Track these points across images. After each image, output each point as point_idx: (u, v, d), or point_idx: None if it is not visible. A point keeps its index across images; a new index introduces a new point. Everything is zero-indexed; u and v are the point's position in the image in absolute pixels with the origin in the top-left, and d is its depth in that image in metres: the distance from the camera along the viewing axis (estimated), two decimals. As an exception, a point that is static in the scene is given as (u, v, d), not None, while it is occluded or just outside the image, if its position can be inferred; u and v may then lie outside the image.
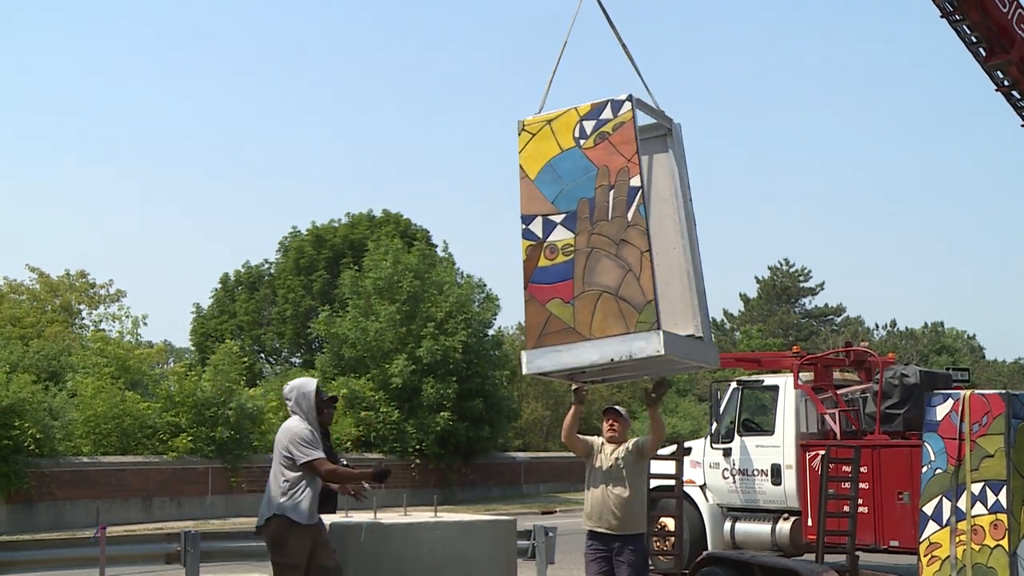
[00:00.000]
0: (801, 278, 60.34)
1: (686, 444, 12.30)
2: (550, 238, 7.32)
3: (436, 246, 38.27)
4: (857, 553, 11.11)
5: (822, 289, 60.40)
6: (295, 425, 7.07)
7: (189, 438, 24.46)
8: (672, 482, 10.66)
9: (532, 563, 12.07)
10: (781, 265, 60.55)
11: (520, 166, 7.54)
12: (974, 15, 14.20)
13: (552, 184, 7.40)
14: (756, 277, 61.15)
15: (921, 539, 9.40)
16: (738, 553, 11.85)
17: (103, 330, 33.18)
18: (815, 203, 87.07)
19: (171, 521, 22.35)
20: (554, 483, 33.22)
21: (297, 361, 40.06)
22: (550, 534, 12.20)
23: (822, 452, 11.65)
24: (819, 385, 13.56)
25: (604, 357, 6.98)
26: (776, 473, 13.46)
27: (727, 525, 13.94)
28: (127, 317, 32.41)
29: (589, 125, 7.32)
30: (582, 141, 7.33)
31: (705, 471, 14.24)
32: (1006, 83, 14.88)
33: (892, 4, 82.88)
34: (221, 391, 25.37)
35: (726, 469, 13.99)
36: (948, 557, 9.16)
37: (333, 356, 30.95)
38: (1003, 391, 9.41)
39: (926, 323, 63.90)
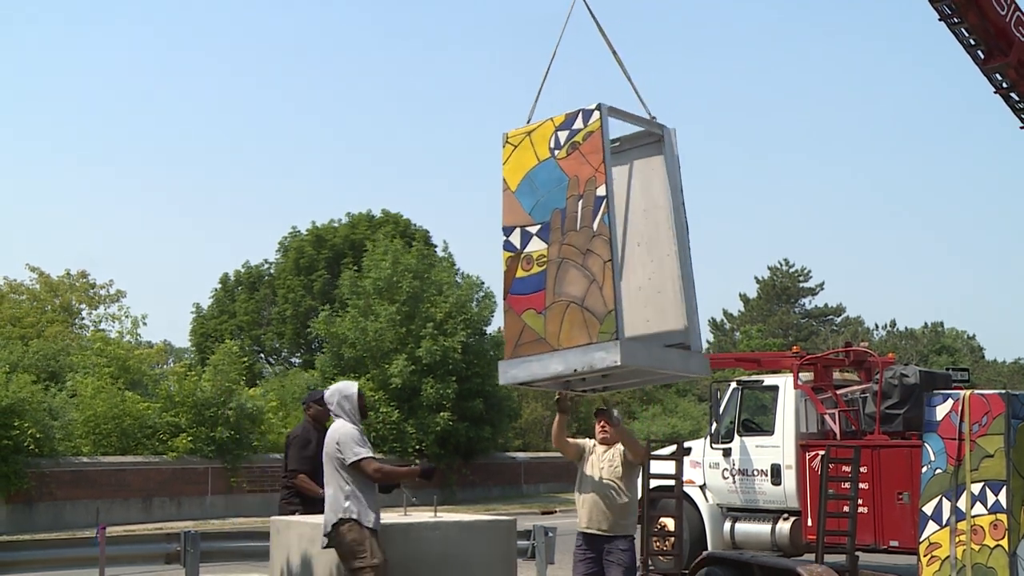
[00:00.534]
0: (801, 278, 60.34)
1: (686, 444, 12.30)
2: (526, 249, 7.36)
3: (436, 246, 38.30)
4: (857, 553, 11.11)
5: (822, 289, 60.45)
6: (341, 427, 7.06)
7: (189, 438, 24.47)
8: (672, 482, 10.65)
9: (532, 563, 12.08)
10: (781, 265, 60.57)
11: (503, 178, 7.59)
12: (972, 18, 14.22)
13: (530, 195, 7.43)
14: (756, 277, 61.20)
15: (921, 539, 9.40)
16: (738, 553, 11.85)
17: (103, 330, 33.27)
18: (815, 203, 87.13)
19: (171, 521, 22.35)
20: (554, 483, 33.22)
21: (297, 361, 40.08)
22: (550, 534, 12.21)
23: (822, 452, 11.64)
24: (819, 385, 13.56)
25: (569, 368, 7.01)
26: (776, 473, 13.46)
27: (727, 525, 13.94)
28: (127, 317, 32.58)
29: (563, 135, 7.32)
30: (556, 151, 7.33)
31: (705, 471, 14.24)
32: (1004, 85, 14.90)
33: (893, 3, 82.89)
34: (221, 391, 25.38)
35: (726, 469, 14.00)
36: (948, 557, 9.17)
37: (333, 356, 30.96)
38: (1003, 391, 9.41)
39: (926, 323, 63.91)
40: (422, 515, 7.51)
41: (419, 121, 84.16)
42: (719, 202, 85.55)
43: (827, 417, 13.17)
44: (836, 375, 13.91)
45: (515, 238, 7.42)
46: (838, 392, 13.41)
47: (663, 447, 13.94)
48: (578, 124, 7.24)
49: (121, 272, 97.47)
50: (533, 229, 7.32)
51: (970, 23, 14.30)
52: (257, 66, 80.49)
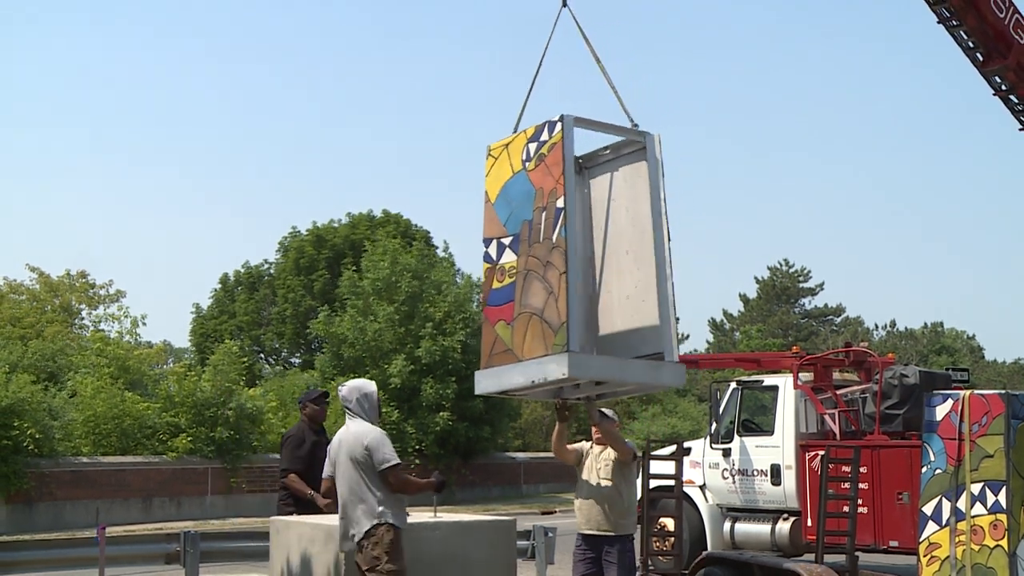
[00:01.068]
0: (801, 278, 60.34)
1: (686, 444, 12.30)
2: (500, 260, 7.40)
3: (436, 247, 38.31)
4: (857, 553, 11.11)
5: (822, 289, 60.45)
6: (369, 430, 6.87)
7: (189, 438, 24.46)
8: (672, 482, 10.65)
9: (532, 563, 12.09)
10: (781, 265, 60.57)
11: (485, 190, 7.64)
12: (971, 21, 14.22)
13: (505, 207, 7.47)
14: (756, 277, 61.20)
15: (921, 539, 9.40)
16: (738, 553, 11.85)
17: (103, 330, 33.21)
18: (815, 203, 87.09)
19: (171, 521, 22.34)
20: (554, 483, 33.21)
21: (296, 361, 40.09)
22: (550, 534, 12.22)
23: (822, 452, 11.65)
24: (819, 385, 13.57)
25: (527, 379, 7.02)
26: (776, 473, 13.46)
27: (727, 525, 13.95)
28: (127, 317, 32.48)
29: (532, 147, 7.32)
30: (527, 163, 7.35)
31: (705, 471, 14.25)
32: (1004, 87, 14.90)
33: (892, 6, 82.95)
34: (221, 391, 25.38)
35: (726, 469, 14.00)
36: (948, 557, 9.17)
37: (332, 356, 30.96)
38: (1003, 391, 9.41)
39: (926, 323, 63.93)
40: (422, 515, 7.50)
41: (419, 121, 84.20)
42: (720, 201, 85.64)
43: (827, 417, 13.17)
44: (836, 375, 13.91)
45: (492, 249, 7.48)
46: (838, 392, 13.41)
47: (663, 447, 13.95)
48: (544, 136, 7.25)
49: (121, 272, 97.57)
50: (507, 241, 7.37)
51: (969, 26, 14.30)
52: (257, 66, 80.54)
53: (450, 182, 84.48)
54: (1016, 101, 15.00)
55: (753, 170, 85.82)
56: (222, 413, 25.09)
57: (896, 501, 12.24)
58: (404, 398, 29.27)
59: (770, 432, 13.74)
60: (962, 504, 9.16)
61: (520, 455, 34.80)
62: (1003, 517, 8.96)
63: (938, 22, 14.40)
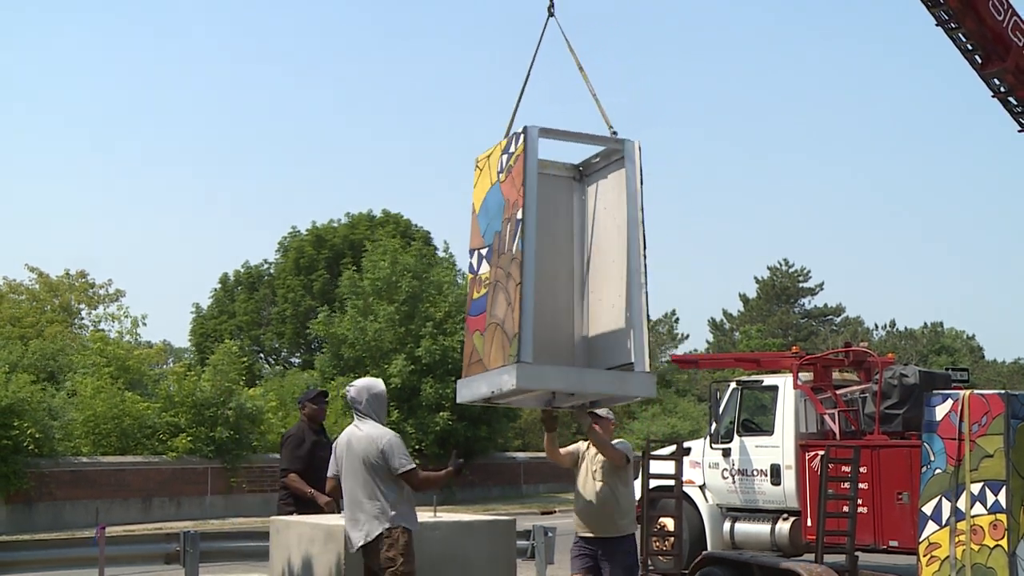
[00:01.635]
0: (800, 278, 60.37)
1: (685, 444, 12.30)
2: (479, 272, 7.46)
3: (436, 247, 38.31)
4: (856, 553, 11.11)
5: (821, 289, 60.49)
6: (382, 432, 6.84)
7: (188, 438, 24.47)
8: (671, 482, 10.65)
9: (532, 563, 12.09)
10: (780, 265, 60.60)
11: (472, 202, 7.70)
12: (969, 23, 14.22)
13: (484, 218, 7.52)
14: (755, 277, 61.25)
15: (920, 539, 9.40)
16: (737, 553, 11.85)
17: (102, 330, 33.22)
18: (815, 203, 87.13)
19: (170, 521, 22.34)
20: (554, 483, 33.22)
21: (296, 361, 40.10)
22: (549, 534, 12.22)
23: (821, 452, 11.65)
24: (818, 385, 13.57)
25: (489, 389, 7.05)
26: (775, 473, 13.46)
27: (726, 525, 13.95)
28: (126, 317, 32.52)
29: (504, 159, 7.35)
30: (500, 175, 7.38)
31: (704, 471, 14.25)
32: (1002, 89, 14.91)
33: (891, 8, 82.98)
34: (220, 391, 25.39)
35: (725, 469, 14.00)
36: (947, 557, 9.17)
37: (332, 356, 30.97)
38: (1002, 391, 9.41)
39: (925, 323, 64.01)
40: (422, 515, 7.50)
41: (420, 121, 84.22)
42: (719, 202, 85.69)
43: (827, 417, 13.17)
44: (836, 375, 13.91)
45: (475, 260, 7.55)
46: (838, 392, 13.41)
47: (663, 447, 13.95)
48: (512, 147, 7.25)
49: (121, 272, 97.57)
50: (484, 252, 7.42)
51: (967, 28, 14.30)
52: (257, 66, 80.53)
53: (450, 182, 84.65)
54: (1015, 103, 15.01)
55: (753, 171, 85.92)
56: (222, 413, 25.10)
57: (896, 501, 12.24)
58: (404, 398, 29.27)
59: (770, 432, 13.74)
60: (962, 504, 9.16)
61: (520, 455, 34.81)
62: (1003, 517, 8.96)
63: (937, 24, 14.40)
